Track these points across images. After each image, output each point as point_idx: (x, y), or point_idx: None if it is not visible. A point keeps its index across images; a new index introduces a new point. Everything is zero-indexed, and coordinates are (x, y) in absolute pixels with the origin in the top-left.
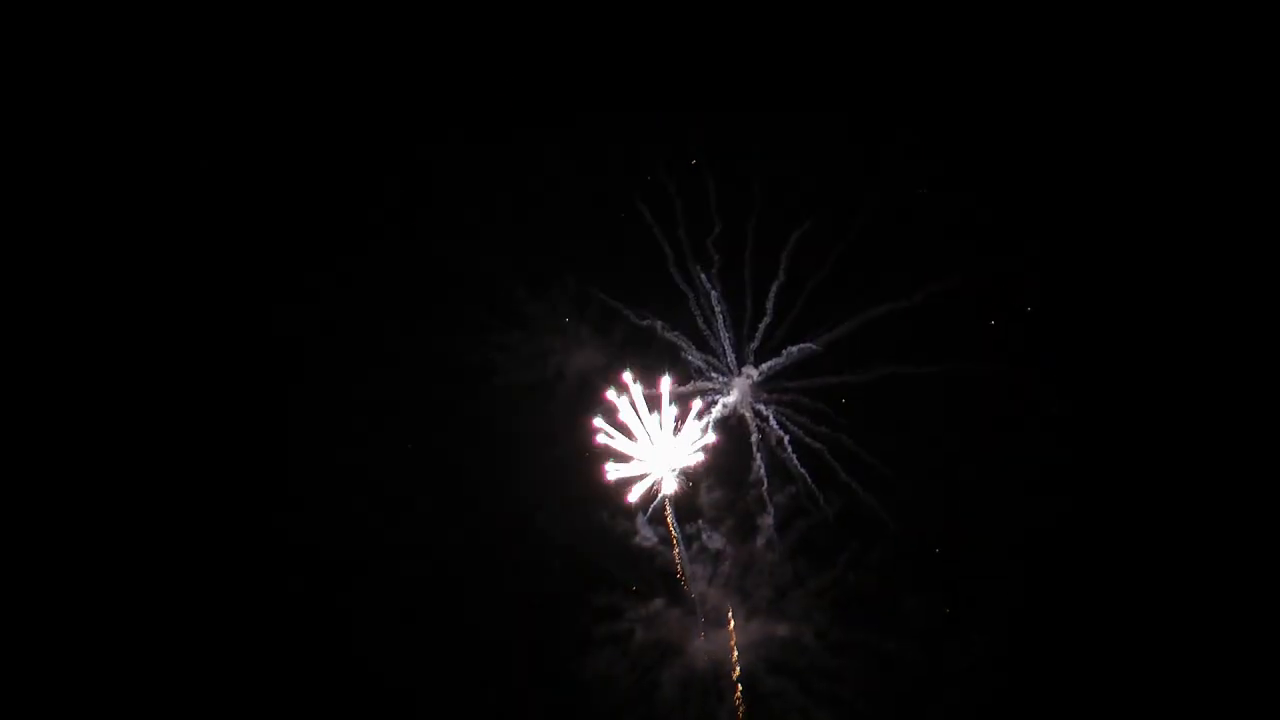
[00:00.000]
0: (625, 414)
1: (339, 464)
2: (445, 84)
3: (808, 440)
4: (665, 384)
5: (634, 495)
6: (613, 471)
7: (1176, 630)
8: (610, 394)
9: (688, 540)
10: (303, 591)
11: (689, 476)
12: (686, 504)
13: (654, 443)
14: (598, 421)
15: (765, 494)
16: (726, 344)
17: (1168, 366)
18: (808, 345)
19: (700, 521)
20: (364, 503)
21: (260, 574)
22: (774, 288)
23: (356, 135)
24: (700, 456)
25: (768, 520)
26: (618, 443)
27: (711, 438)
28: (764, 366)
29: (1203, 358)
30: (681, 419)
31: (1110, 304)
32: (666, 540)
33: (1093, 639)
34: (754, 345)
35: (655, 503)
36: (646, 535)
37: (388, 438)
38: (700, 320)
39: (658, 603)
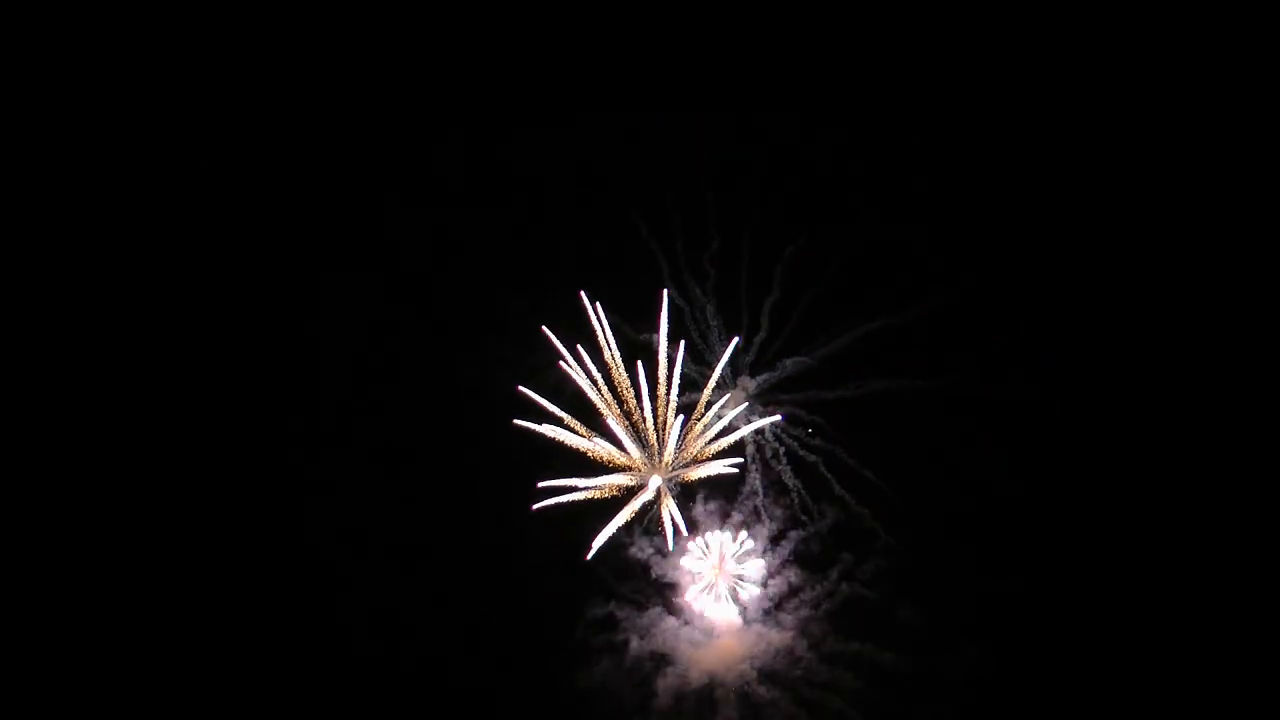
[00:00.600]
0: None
1: (337, 473)
2: (445, 92)
3: (802, 454)
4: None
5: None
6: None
7: (1170, 639)
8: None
9: (683, 550)
10: (302, 596)
11: (685, 488)
12: (683, 515)
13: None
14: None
15: (760, 506)
16: (723, 357)
17: (1160, 378)
18: (802, 359)
19: (695, 532)
20: (363, 510)
21: (264, 576)
22: (769, 302)
23: (358, 142)
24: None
25: (763, 532)
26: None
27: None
28: (759, 379)
29: (1193, 368)
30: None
31: (1104, 318)
32: (662, 551)
33: (1085, 648)
34: (749, 359)
35: (651, 514)
36: (642, 546)
37: (385, 449)
38: (696, 334)
39: (653, 613)
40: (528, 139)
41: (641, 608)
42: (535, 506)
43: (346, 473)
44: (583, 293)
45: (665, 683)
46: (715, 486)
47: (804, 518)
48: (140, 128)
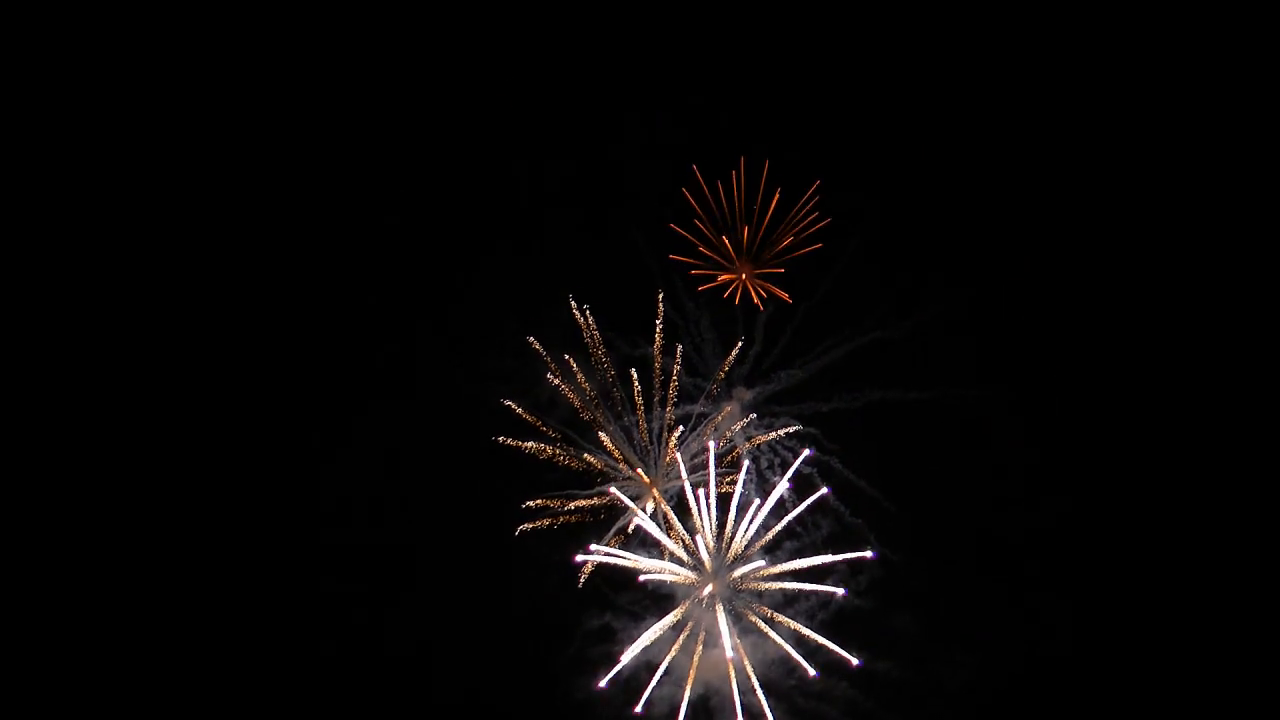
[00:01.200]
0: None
1: (335, 482)
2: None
3: (797, 463)
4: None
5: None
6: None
7: (1168, 644)
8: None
9: (678, 561)
10: (296, 601)
11: (680, 499)
12: (678, 526)
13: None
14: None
15: (756, 515)
16: (718, 370)
17: (1155, 385)
18: (795, 371)
19: (691, 542)
20: (359, 518)
21: (261, 581)
22: (763, 315)
23: (359, 152)
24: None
25: (759, 541)
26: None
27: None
28: (754, 391)
29: (1182, 375)
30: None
31: (1092, 329)
32: (658, 562)
33: (1078, 656)
34: (744, 371)
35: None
36: (638, 558)
37: (383, 457)
38: (691, 347)
39: (649, 623)
40: (527, 147)
41: (637, 618)
42: (519, 530)
43: (344, 480)
44: (571, 298)
45: (661, 693)
46: (710, 497)
47: (799, 529)
48: (141, 128)
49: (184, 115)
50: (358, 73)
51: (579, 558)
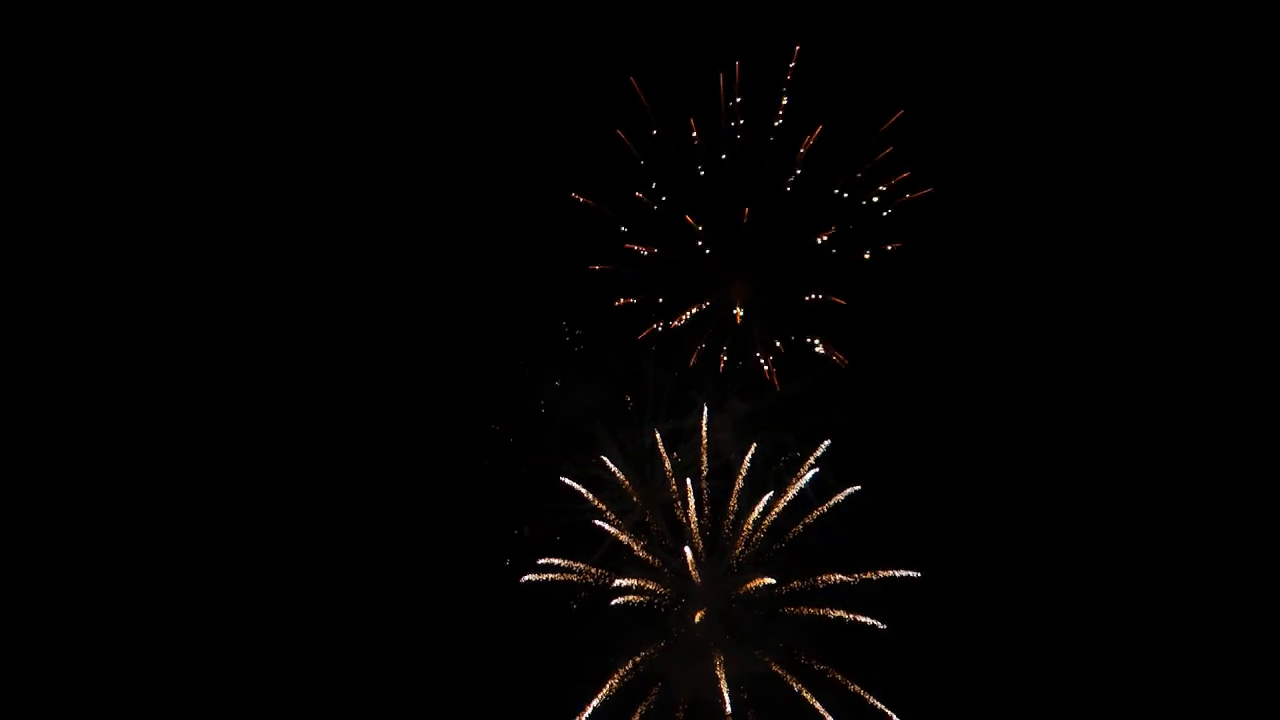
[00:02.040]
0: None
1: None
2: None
3: (787, 476)
4: None
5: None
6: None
7: (1149, 648)
8: None
9: (671, 573)
10: (291, 605)
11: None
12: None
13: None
14: None
15: (747, 528)
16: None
17: (1132, 402)
18: (782, 386)
19: (684, 552)
20: (356, 532)
21: (263, 581)
22: (758, 324)
23: (359, 153)
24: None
25: (750, 554)
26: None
27: None
28: (748, 405)
29: (1157, 394)
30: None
31: (1077, 340)
32: (652, 573)
33: (1070, 664)
34: (739, 383)
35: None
36: (632, 568)
37: (379, 469)
38: (683, 362)
39: (642, 634)
40: (527, 147)
41: (630, 628)
42: (508, 560)
43: (341, 483)
44: (564, 324)
45: (653, 704)
46: (704, 504)
47: (791, 537)
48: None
49: (183, 115)
50: (357, 72)
51: (524, 578)
